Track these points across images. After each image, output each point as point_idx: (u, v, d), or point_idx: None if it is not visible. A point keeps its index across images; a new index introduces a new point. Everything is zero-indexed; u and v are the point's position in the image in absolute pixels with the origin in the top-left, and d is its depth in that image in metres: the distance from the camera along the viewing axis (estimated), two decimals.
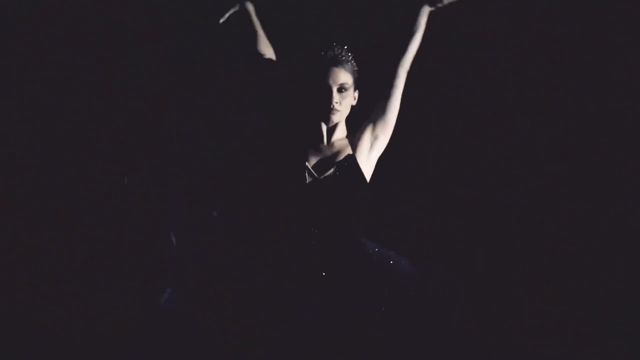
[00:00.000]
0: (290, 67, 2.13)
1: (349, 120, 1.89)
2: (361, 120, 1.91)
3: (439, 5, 1.92)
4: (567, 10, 2.21)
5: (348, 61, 1.85)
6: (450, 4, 1.93)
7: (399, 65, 1.90)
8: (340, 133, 1.92)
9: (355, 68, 1.87)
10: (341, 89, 1.82)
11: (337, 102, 1.80)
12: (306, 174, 1.83)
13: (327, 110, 1.81)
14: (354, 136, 1.92)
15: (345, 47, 1.87)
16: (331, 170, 1.83)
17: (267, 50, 2.11)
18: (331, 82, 1.81)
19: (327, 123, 1.86)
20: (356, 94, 1.89)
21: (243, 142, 2.25)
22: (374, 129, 1.90)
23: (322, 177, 1.83)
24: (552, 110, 2.26)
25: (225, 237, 2.17)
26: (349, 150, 1.88)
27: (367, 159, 1.89)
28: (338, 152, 1.88)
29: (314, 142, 1.90)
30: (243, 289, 1.92)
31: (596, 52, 2.19)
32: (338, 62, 1.84)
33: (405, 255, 1.88)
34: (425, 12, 1.93)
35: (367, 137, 1.91)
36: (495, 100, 2.31)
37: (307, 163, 1.85)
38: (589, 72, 2.21)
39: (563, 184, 2.28)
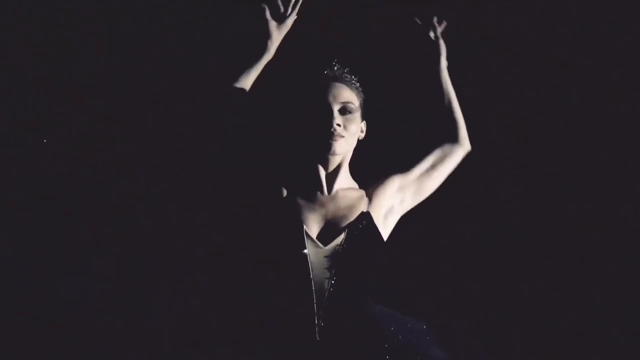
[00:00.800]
0: (281, 92, 1.72)
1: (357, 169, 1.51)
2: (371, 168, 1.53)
3: (442, 51, 1.63)
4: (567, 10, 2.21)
5: (351, 81, 1.48)
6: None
7: (457, 145, 1.57)
8: (345, 179, 1.48)
9: (362, 92, 1.50)
10: (344, 110, 1.42)
11: (339, 125, 1.39)
12: (305, 243, 1.34)
13: (327, 136, 1.38)
14: (367, 188, 1.50)
15: (347, 69, 1.50)
16: (341, 236, 1.36)
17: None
18: (331, 98, 1.41)
19: (327, 153, 1.41)
20: (363, 125, 1.50)
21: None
22: (402, 189, 1.49)
23: (327, 246, 1.35)
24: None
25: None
26: (361, 206, 1.42)
27: (384, 221, 1.46)
28: (347, 208, 1.42)
29: (311, 192, 1.44)
30: None
31: (596, 53, 2.19)
32: (339, 79, 1.46)
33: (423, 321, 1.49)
34: (442, 69, 1.63)
35: (390, 193, 1.48)
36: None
37: (305, 226, 1.36)
38: (589, 72, 2.22)
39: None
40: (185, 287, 2.04)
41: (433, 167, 1.54)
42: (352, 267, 1.36)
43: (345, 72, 1.48)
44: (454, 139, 1.59)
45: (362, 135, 1.51)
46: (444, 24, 1.67)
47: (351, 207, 1.43)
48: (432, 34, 1.66)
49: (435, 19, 1.67)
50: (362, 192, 1.48)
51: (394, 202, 1.50)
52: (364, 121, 1.51)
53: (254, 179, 1.47)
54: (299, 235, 1.35)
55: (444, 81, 1.62)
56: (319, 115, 1.41)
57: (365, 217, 1.41)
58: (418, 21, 1.68)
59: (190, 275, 2.05)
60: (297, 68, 1.68)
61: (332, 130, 1.38)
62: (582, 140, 2.22)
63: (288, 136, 1.59)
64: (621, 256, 2.15)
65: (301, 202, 1.43)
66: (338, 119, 1.40)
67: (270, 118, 1.81)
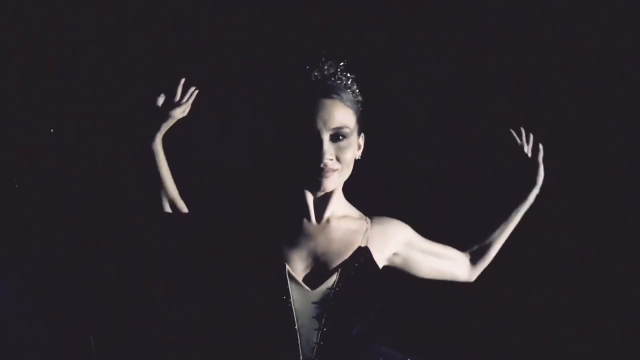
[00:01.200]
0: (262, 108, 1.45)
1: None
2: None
3: (539, 181, 1.39)
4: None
5: (347, 87, 1.12)
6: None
7: (467, 270, 1.36)
8: (339, 203, 1.18)
9: (359, 98, 1.15)
10: (337, 136, 1.08)
11: (331, 159, 1.07)
12: (289, 287, 1.06)
13: (316, 172, 1.07)
14: (370, 216, 1.24)
15: (342, 63, 1.13)
16: (333, 277, 1.09)
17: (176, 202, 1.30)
18: (320, 124, 1.05)
19: (315, 191, 1.12)
20: (361, 140, 1.18)
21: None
22: (405, 247, 1.24)
23: (316, 290, 1.08)
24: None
25: None
26: (359, 239, 1.15)
27: (381, 257, 1.20)
28: (340, 241, 1.14)
29: (296, 221, 1.14)
30: None
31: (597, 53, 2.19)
32: (331, 90, 1.08)
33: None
34: (531, 198, 1.39)
35: (398, 238, 1.24)
36: None
37: (287, 266, 1.08)
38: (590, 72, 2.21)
39: None
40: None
41: (437, 261, 1.31)
42: (346, 315, 1.09)
43: (338, 76, 1.11)
44: (472, 262, 1.37)
45: (360, 152, 1.19)
46: (541, 149, 1.39)
47: (346, 240, 1.15)
48: (529, 154, 1.41)
49: (531, 140, 1.41)
50: (362, 221, 1.21)
51: (395, 250, 1.24)
52: (362, 134, 1.19)
53: (226, 206, 1.22)
54: (281, 277, 1.06)
55: (517, 214, 1.39)
56: (306, 146, 1.07)
57: (363, 253, 1.14)
58: (515, 135, 1.43)
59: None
60: (280, 73, 1.25)
61: (321, 166, 1.07)
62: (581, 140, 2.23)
63: (269, 155, 1.29)
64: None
65: (284, 233, 1.13)
66: (329, 150, 1.07)
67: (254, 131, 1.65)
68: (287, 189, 1.15)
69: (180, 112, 1.32)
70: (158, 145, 1.28)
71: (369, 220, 1.22)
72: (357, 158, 1.17)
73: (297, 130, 1.07)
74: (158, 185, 1.25)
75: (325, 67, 1.10)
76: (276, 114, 1.13)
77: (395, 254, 1.23)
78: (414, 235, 1.27)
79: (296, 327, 1.05)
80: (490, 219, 1.39)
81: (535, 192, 1.38)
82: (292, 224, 1.14)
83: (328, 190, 1.11)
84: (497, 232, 1.36)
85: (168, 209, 1.25)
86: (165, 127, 1.30)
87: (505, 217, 1.37)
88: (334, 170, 1.09)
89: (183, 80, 1.35)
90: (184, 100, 1.34)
